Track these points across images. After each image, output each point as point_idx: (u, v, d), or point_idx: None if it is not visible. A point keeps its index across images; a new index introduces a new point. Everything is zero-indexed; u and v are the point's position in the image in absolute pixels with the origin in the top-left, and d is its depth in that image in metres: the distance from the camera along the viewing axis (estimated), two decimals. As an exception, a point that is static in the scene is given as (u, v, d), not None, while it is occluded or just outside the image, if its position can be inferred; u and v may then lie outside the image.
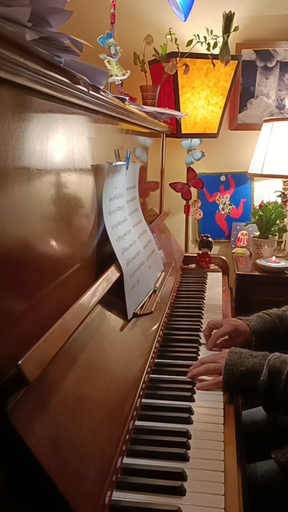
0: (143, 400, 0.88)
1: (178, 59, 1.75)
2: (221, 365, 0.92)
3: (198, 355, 1.09)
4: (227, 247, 2.36)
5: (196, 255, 1.87)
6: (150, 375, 0.98)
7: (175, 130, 1.94)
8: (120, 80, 1.07)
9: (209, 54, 1.79)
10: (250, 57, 2.13)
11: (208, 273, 1.79)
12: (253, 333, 1.09)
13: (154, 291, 1.15)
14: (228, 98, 1.99)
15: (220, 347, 1.12)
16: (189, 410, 0.85)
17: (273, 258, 2.00)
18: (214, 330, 1.15)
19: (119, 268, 0.96)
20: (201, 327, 1.25)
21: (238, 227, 2.31)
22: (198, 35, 1.74)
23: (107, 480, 0.62)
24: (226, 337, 1.14)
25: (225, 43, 1.75)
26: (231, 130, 2.24)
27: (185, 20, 1.68)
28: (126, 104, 1.01)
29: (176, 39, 1.73)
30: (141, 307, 1.04)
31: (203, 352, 1.11)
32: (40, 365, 0.54)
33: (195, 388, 0.93)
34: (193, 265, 1.89)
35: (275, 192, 2.15)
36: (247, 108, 2.20)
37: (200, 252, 1.85)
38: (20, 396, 0.52)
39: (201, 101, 1.94)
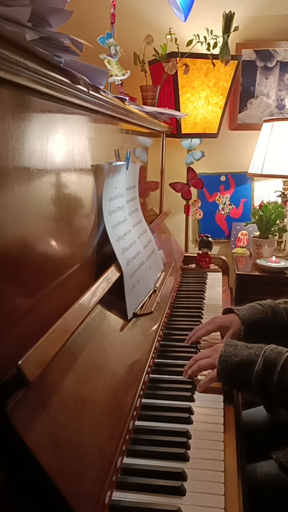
0: (143, 400, 0.88)
1: (178, 59, 1.75)
2: (214, 359, 0.91)
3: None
4: (227, 247, 2.36)
5: (196, 255, 1.87)
6: (150, 375, 0.98)
7: (175, 130, 1.94)
8: (120, 80, 1.07)
9: (209, 54, 1.79)
10: (250, 57, 2.13)
11: (208, 273, 1.79)
12: (243, 323, 1.06)
13: (154, 291, 1.15)
14: (228, 98, 1.99)
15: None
16: (189, 410, 0.85)
17: (273, 258, 2.00)
18: (197, 328, 1.14)
19: (119, 268, 0.96)
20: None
21: (238, 227, 2.31)
22: (198, 35, 1.74)
23: (107, 480, 0.62)
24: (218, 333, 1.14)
25: (225, 43, 1.75)
26: (231, 130, 2.24)
27: (185, 20, 1.68)
28: (126, 104, 1.01)
29: (176, 39, 1.73)
30: (141, 307, 1.04)
31: (203, 352, 1.11)
32: (40, 365, 0.54)
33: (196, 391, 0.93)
34: (193, 265, 1.89)
35: (275, 192, 2.15)
36: (247, 108, 2.20)
37: (200, 252, 1.84)
38: (20, 396, 0.52)
39: (201, 101, 1.94)
